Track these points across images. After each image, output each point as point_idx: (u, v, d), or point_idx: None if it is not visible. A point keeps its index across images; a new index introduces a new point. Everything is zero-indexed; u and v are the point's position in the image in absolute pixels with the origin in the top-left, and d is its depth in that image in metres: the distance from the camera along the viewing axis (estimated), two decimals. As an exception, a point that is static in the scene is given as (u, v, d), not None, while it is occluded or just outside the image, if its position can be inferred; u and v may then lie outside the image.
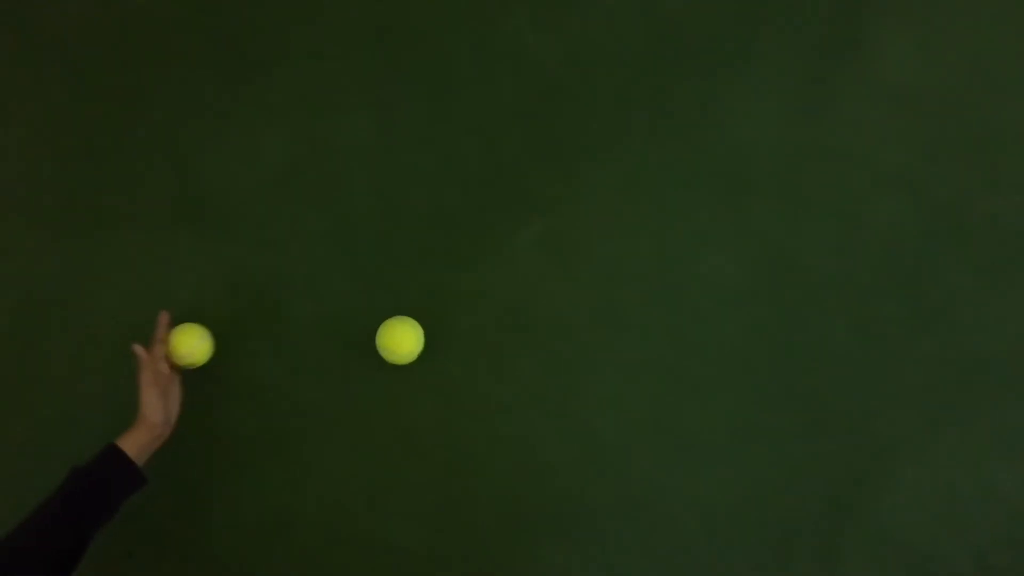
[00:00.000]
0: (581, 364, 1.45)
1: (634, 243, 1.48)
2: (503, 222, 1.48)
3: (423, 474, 1.44)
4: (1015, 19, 1.49)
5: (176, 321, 1.43)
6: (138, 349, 1.32)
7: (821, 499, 1.40)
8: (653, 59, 1.51)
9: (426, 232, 1.48)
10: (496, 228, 1.48)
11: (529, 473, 1.43)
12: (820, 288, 1.45)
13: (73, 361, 1.47)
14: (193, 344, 1.39)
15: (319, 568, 1.42)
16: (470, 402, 1.45)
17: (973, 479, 1.40)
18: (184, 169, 1.51)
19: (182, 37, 1.53)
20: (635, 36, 1.52)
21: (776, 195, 1.48)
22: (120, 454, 1.23)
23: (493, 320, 1.46)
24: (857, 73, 1.49)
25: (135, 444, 1.25)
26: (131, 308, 1.48)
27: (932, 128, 1.48)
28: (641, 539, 1.41)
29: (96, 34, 1.53)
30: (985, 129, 1.47)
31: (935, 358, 1.42)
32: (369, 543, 1.42)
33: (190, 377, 1.44)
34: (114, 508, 1.22)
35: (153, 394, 1.29)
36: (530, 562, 1.42)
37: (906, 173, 1.47)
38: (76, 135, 1.52)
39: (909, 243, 1.45)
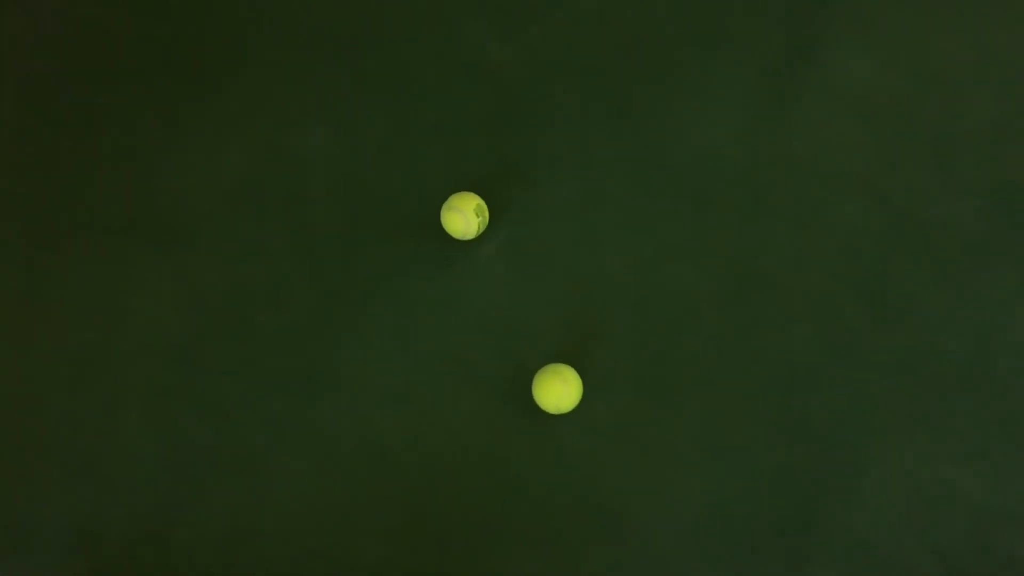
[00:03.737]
0: (546, 374, 1.44)
1: (597, 253, 1.48)
2: (466, 232, 1.48)
3: (390, 488, 1.43)
4: (967, 25, 1.52)
5: (138, 338, 1.41)
6: None
7: (787, 505, 1.41)
8: (613, 70, 1.52)
9: (388, 243, 1.48)
10: (459, 239, 1.48)
11: (497, 485, 1.42)
12: (782, 296, 1.46)
13: (30, 381, 1.44)
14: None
15: (284, 585, 1.40)
16: (436, 414, 1.44)
17: (936, 481, 1.41)
18: (141, 183, 1.50)
19: (137, 49, 1.52)
20: (596, 47, 1.53)
21: (737, 204, 1.49)
22: None
23: (457, 331, 1.46)
24: (815, 82, 1.51)
25: None
26: (90, 325, 1.45)
27: (889, 134, 1.50)
28: (611, 550, 1.40)
29: (49, 46, 1.52)
30: (941, 134, 1.50)
31: (896, 362, 1.44)
32: (336, 559, 1.41)
33: (151, 393, 1.42)
34: None
35: None
36: (499, 575, 1.41)
37: (865, 179, 1.49)
38: (29, 149, 1.50)
39: (868, 249, 1.47)
